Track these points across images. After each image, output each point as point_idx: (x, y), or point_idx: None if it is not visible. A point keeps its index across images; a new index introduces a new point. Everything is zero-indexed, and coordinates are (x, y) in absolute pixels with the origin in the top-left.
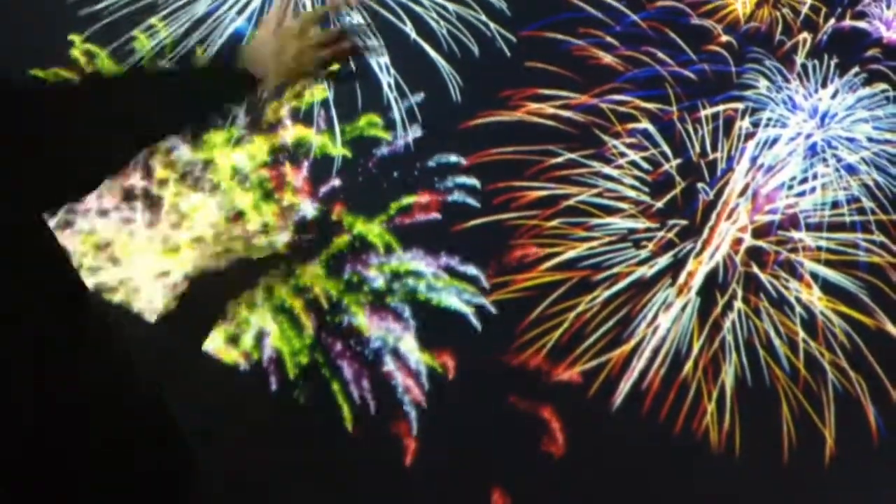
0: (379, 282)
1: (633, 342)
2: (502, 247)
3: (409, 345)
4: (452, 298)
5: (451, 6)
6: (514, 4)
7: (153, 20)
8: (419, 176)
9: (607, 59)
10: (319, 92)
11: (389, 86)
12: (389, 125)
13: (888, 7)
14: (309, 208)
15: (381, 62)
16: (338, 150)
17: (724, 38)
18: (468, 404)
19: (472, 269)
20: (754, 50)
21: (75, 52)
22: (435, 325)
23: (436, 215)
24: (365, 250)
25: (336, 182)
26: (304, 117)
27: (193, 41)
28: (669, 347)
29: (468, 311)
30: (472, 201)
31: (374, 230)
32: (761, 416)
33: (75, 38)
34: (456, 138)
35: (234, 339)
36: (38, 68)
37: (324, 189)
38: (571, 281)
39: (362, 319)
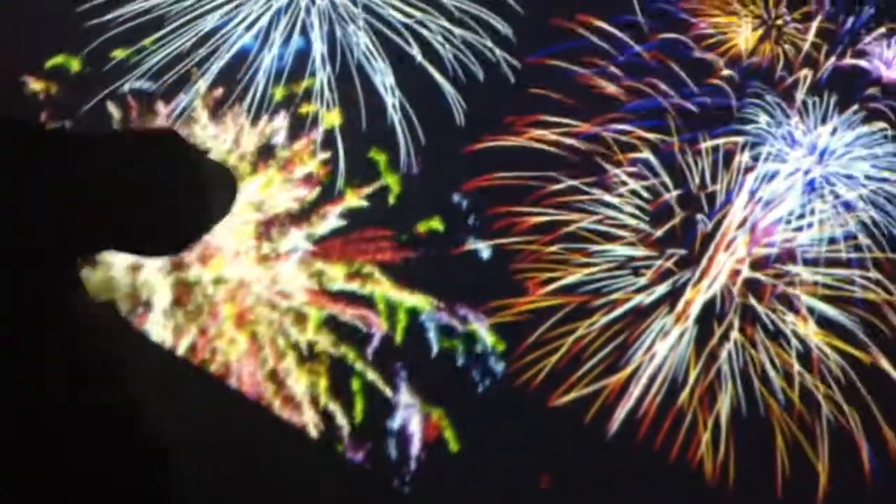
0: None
1: (629, 369)
2: (502, 270)
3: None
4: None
5: (457, 31)
6: (520, 31)
7: (146, 41)
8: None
9: (610, 88)
10: (330, 117)
11: (394, 107)
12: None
13: (888, 47)
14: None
15: (386, 84)
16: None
17: (726, 71)
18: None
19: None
20: (755, 85)
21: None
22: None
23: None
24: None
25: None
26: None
27: (201, 56)
28: (666, 375)
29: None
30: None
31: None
32: (756, 448)
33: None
34: (459, 161)
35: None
36: (41, 79)
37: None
38: (570, 306)
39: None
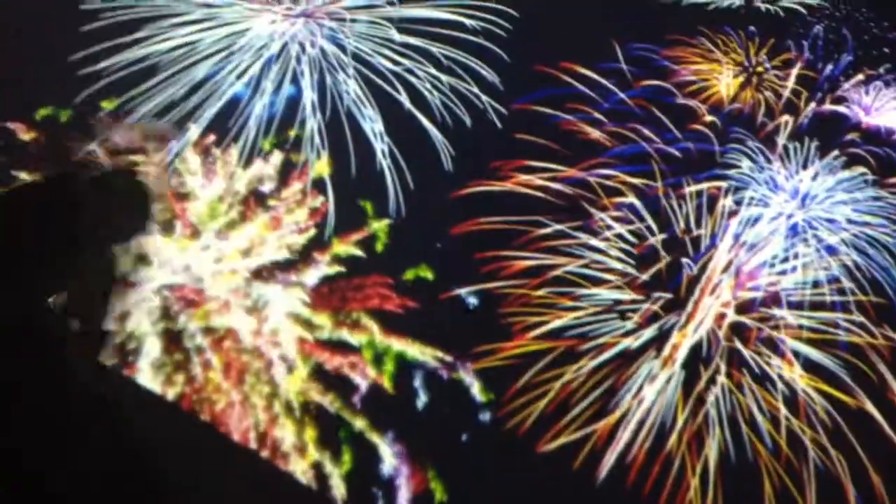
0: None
1: (618, 413)
2: (490, 315)
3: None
4: None
5: (444, 77)
6: (506, 78)
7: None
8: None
9: (595, 134)
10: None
11: (383, 153)
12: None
13: (867, 93)
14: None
15: (375, 130)
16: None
17: (709, 118)
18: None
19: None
20: (737, 130)
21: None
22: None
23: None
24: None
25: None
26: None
27: (192, 104)
28: (654, 420)
29: None
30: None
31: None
32: (744, 494)
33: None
34: (447, 206)
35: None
36: (31, 129)
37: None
38: (558, 350)
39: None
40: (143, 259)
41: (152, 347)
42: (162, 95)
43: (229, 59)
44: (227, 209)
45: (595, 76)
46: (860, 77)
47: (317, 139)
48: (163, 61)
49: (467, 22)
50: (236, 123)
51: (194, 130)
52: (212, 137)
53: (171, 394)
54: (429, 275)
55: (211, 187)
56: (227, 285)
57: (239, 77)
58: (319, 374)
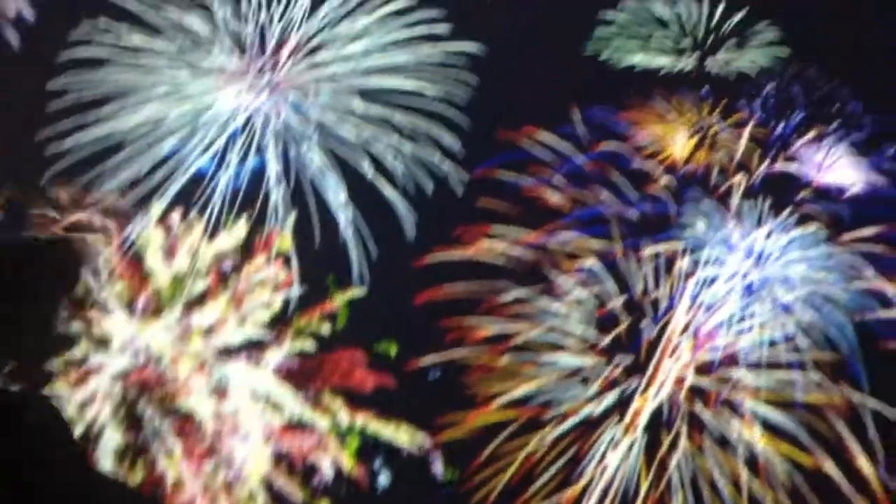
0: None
1: (582, 482)
2: (454, 384)
3: None
4: None
5: (407, 146)
6: (468, 144)
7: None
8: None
9: (555, 198)
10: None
11: (347, 222)
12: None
13: (818, 151)
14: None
15: (339, 199)
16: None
17: (664, 179)
18: None
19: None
20: (692, 191)
21: None
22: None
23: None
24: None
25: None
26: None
27: (157, 180)
28: (618, 487)
29: None
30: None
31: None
32: None
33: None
34: (410, 274)
35: None
36: None
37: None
38: (521, 419)
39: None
40: (102, 342)
41: (112, 435)
42: (127, 172)
43: (194, 134)
44: (189, 286)
45: (555, 140)
46: (811, 135)
47: (281, 210)
48: (128, 138)
49: (428, 90)
50: (201, 198)
51: (157, 207)
52: (176, 213)
53: (133, 480)
54: (393, 349)
55: (174, 264)
56: (189, 366)
57: (204, 151)
58: (282, 458)
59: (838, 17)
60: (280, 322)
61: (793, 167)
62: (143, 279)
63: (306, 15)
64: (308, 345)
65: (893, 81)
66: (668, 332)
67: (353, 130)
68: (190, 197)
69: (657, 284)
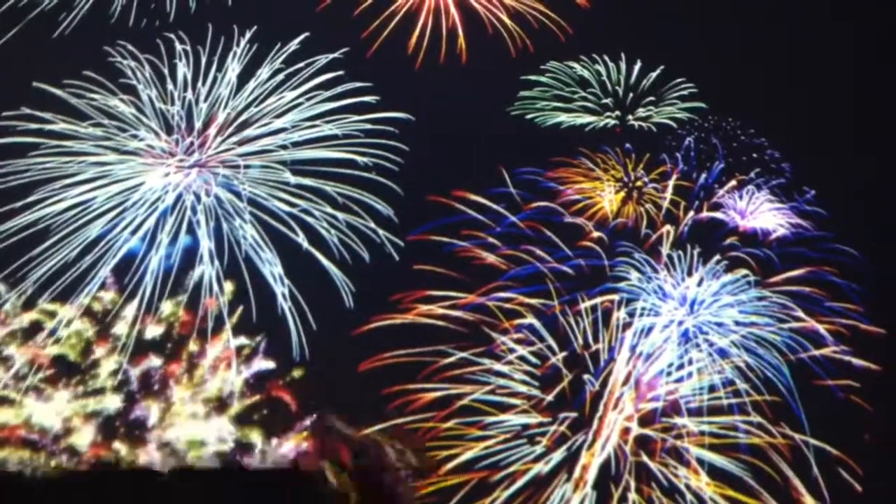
0: None
1: None
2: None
3: None
4: None
5: (340, 215)
6: (401, 210)
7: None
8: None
9: (490, 258)
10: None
11: (284, 296)
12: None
13: (740, 198)
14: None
15: (274, 273)
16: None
17: (596, 234)
18: None
19: None
20: (623, 244)
21: None
22: None
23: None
24: None
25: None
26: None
27: (87, 263)
28: None
29: None
30: None
31: None
32: None
33: None
34: (350, 344)
35: None
36: None
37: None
38: (470, 483)
39: None
40: None
41: None
42: (55, 258)
43: (123, 216)
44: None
45: (486, 202)
46: (733, 183)
47: (216, 287)
48: (55, 223)
49: (359, 159)
50: (133, 280)
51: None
52: (108, 298)
53: None
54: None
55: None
56: None
57: (134, 232)
58: None
59: (750, 69)
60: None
61: (718, 215)
62: None
63: (233, 92)
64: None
65: (808, 128)
66: (611, 384)
67: (286, 203)
68: (122, 279)
69: (596, 337)
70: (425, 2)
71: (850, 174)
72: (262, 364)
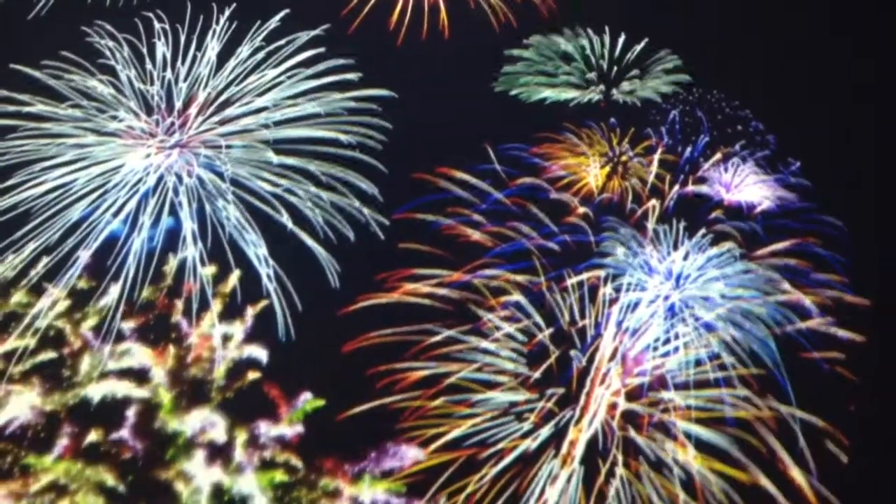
0: None
1: None
2: (389, 431)
3: None
4: None
5: (325, 194)
6: (386, 188)
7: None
8: None
9: (476, 235)
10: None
11: (269, 277)
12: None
13: (725, 171)
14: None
15: (259, 254)
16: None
17: (581, 209)
18: None
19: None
20: (609, 219)
21: None
22: None
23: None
24: None
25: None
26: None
27: (69, 246)
28: None
29: None
30: None
31: None
32: None
33: None
34: (335, 325)
35: None
36: None
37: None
38: (459, 461)
39: None
40: None
41: None
42: (36, 242)
43: (104, 198)
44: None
45: (471, 179)
46: (718, 156)
47: (200, 269)
48: (35, 206)
49: (343, 138)
50: (115, 263)
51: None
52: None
53: None
54: (321, 403)
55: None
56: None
57: (115, 215)
58: None
59: (735, 41)
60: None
61: (703, 188)
62: None
63: (213, 71)
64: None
65: (793, 99)
66: (597, 359)
67: (269, 184)
68: (104, 262)
69: (583, 313)
70: None
71: (836, 145)
72: (254, 351)
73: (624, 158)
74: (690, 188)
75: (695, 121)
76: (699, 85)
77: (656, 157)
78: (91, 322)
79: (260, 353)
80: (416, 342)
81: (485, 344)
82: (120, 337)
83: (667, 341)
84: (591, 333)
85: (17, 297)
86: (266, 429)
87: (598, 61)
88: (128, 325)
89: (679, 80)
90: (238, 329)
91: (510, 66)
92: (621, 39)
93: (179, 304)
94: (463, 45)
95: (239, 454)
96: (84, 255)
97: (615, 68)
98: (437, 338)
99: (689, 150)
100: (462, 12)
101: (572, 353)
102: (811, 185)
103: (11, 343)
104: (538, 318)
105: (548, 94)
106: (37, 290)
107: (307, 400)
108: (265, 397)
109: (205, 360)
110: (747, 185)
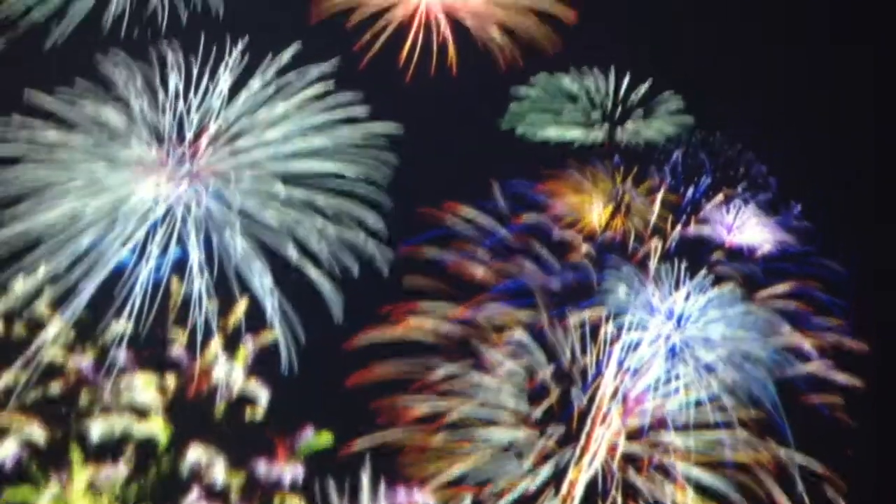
0: None
1: None
2: (391, 466)
3: None
4: None
5: (331, 227)
6: (391, 223)
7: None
8: None
9: (480, 272)
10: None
11: (273, 308)
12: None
13: (727, 212)
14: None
15: (265, 286)
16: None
17: (584, 248)
18: None
19: None
20: (612, 258)
21: None
22: None
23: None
24: None
25: None
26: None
27: (76, 275)
28: None
29: None
30: None
31: None
32: None
33: None
34: (339, 358)
35: None
36: None
37: None
38: (460, 499)
39: None
40: None
41: None
42: (45, 268)
43: (113, 226)
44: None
45: (476, 215)
46: (720, 198)
47: (206, 300)
48: (46, 233)
49: (350, 172)
50: (122, 292)
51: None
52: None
53: None
54: (328, 441)
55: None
56: None
57: (124, 243)
58: None
59: (738, 84)
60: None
61: (705, 230)
62: None
63: (225, 103)
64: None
65: (794, 144)
66: (598, 399)
67: (276, 215)
68: (111, 291)
69: (584, 352)
70: (416, 15)
71: (836, 187)
72: (255, 387)
73: (627, 198)
74: (692, 229)
75: (697, 163)
76: (702, 127)
77: (658, 197)
78: (92, 354)
79: (261, 389)
80: (419, 377)
81: (486, 381)
82: (121, 370)
83: (668, 382)
84: (591, 372)
85: (20, 327)
86: (266, 468)
87: (603, 101)
88: (129, 357)
89: (682, 121)
90: (241, 362)
91: (516, 104)
92: (626, 80)
93: (183, 336)
94: (470, 83)
95: (236, 496)
96: (90, 286)
97: (619, 109)
98: (440, 373)
99: (691, 190)
100: (470, 50)
101: (573, 391)
102: (812, 228)
103: (12, 375)
104: (539, 356)
105: (552, 131)
106: (40, 321)
107: (309, 438)
108: (266, 434)
109: (206, 394)
110: (749, 228)
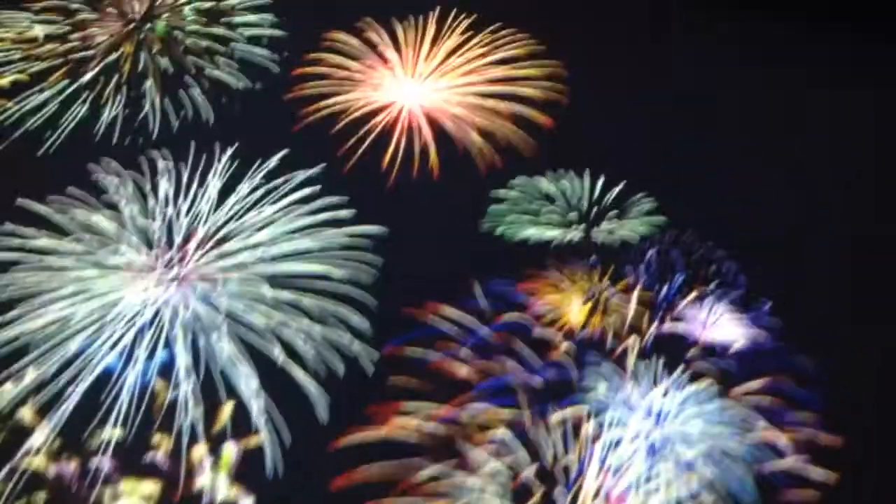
0: None
1: None
2: None
3: None
4: None
5: (316, 328)
6: (376, 323)
7: None
8: None
9: (463, 371)
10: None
11: (259, 410)
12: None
13: (701, 310)
14: None
15: (251, 387)
16: None
17: (564, 346)
18: None
19: None
20: (591, 355)
21: None
22: None
23: None
24: None
25: None
26: None
27: (63, 381)
28: None
29: None
30: None
31: None
32: None
33: None
34: (324, 460)
35: None
36: None
37: None
38: None
39: None
40: None
41: None
42: (32, 374)
43: (102, 331)
44: None
45: (459, 315)
46: (693, 295)
47: (191, 403)
48: (35, 339)
49: (335, 273)
50: (108, 397)
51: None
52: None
53: None
54: None
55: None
56: None
57: (112, 348)
58: None
59: (708, 185)
60: None
61: (680, 327)
62: None
63: (213, 207)
64: None
65: (763, 243)
66: (581, 498)
67: (263, 317)
68: (98, 396)
69: (566, 450)
70: (399, 121)
71: (809, 283)
72: (239, 496)
73: (604, 296)
74: (668, 326)
75: (670, 261)
76: (674, 227)
77: (634, 295)
78: (77, 461)
79: (246, 497)
80: (404, 478)
81: (470, 481)
82: (107, 477)
83: (648, 480)
84: (574, 471)
85: (6, 435)
86: None
87: (579, 203)
88: (114, 464)
89: (655, 222)
90: (225, 468)
91: (496, 205)
92: (599, 182)
93: (169, 441)
94: (451, 185)
95: None
96: (78, 391)
97: (594, 210)
98: (425, 474)
99: (665, 289)
100: (451, 154)
101: (556, 491)
102: (781, 325)
103: None
104: (522, 455)
105: (531, 232)
106: (25, 428)
107: None
108: None
109: (191, 502)
110: (722, 325)
